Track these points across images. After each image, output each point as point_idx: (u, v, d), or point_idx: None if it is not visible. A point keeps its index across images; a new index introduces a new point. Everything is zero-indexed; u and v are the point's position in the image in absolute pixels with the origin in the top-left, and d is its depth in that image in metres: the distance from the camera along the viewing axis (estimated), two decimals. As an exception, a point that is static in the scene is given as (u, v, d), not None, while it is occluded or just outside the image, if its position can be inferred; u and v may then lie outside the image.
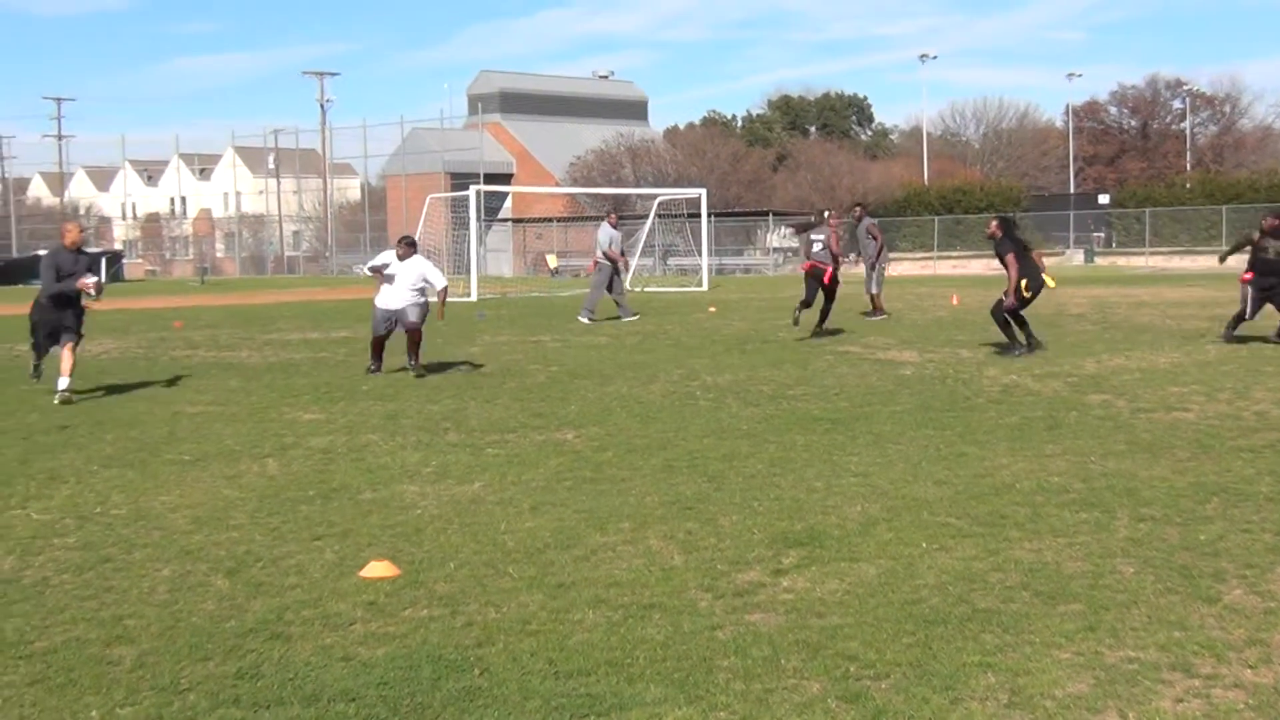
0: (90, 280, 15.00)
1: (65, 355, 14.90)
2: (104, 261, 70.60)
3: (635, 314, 26.94)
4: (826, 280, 20.92)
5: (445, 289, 17.09)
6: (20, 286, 65.37)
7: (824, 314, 21.49)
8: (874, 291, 25.44)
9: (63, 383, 14.70)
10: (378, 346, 16.94)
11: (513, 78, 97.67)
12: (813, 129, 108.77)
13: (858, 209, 27.24)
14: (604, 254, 26.88)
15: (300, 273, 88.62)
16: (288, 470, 10.20)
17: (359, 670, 5.53)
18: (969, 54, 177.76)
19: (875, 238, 25.65)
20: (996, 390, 14.03)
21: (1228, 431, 11.05)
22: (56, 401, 14.44)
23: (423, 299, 16.79)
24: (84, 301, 15.35)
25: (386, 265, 16.70)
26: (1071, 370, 15.55)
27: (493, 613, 6.29)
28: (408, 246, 16.89)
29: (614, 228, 27.34)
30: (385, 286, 16.69)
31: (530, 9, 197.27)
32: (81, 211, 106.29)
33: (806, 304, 20.95)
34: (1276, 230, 16.70)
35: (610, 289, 27.02)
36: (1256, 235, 17.91)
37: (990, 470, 9.57)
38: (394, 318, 16.60)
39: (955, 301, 30.50)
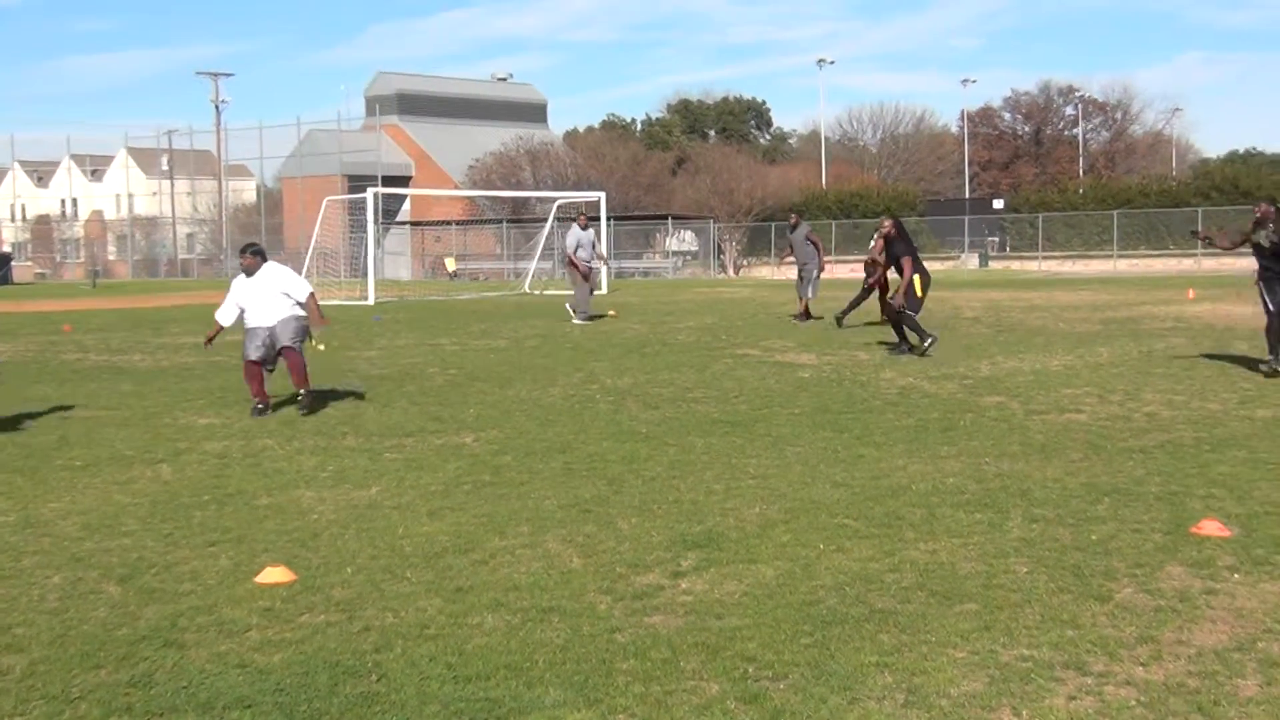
0: None
1: None
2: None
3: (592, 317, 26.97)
4: (873, 284, 22.54)
5: (312, 295, 13.78)
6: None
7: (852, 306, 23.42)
8: (810, 297, 25.73)
9: None
10: (255, 375, 13.61)
11: (411, 79, 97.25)
12: (712, 133, 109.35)
13: (794, 216, 27.58)
14: (569, 258, 26.93)
15: (194, 276, 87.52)
16: (182, 475, 10.06)
17: (255, 677, 5.46)
18: (867, 59, 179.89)
19: (815, 244, 26.11)
20: (893, 393, 14.17)
21: (1119, 433, 11.25)
22: None
23: (300, 312, 13.67)
24: None
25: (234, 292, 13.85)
26: (967, 373, 15.75)
27: (390, 618, 6.24)
28: (253, 256, 13.75)
29: (583, 229, 27.25)
30: (249, 306, 13.70)
31: (431, 9, 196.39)
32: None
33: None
34: (1265, 219, 16.87)
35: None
36: (1250, 226, 18.06)
37: (887, 472, 9.66)
38: (271, 337, 13.57)
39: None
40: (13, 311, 36.55)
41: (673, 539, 7.67)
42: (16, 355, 20.98)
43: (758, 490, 9.07)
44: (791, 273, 31.73)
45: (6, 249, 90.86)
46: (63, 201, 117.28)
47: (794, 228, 26.59)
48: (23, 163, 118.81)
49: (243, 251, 13.99)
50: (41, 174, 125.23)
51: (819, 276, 26.18)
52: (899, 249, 17.78)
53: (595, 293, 30.39)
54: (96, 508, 8.89)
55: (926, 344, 17.57)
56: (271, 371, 13.80)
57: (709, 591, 6.61)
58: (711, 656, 5.62)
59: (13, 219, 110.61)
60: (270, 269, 13.74)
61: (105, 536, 8.02)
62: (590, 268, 27.45)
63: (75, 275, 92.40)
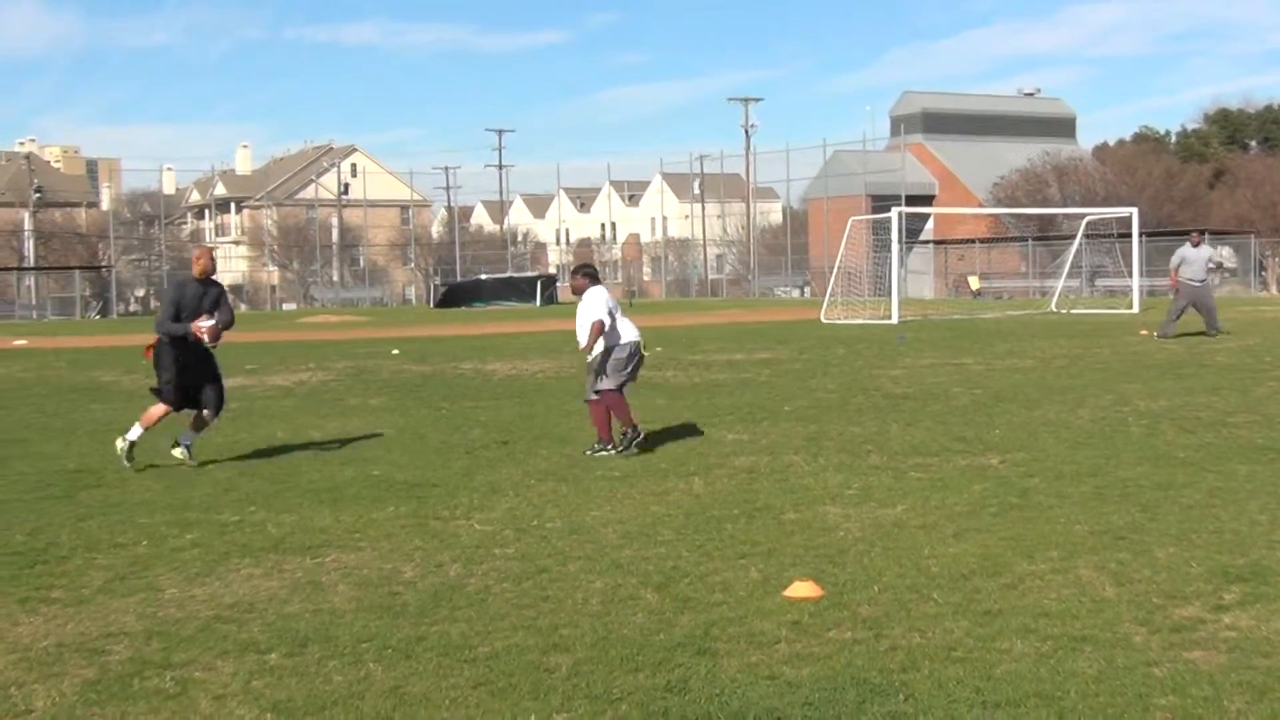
0: (205, 324, 11.87)
1: (198, 418, 12.41)
2: (539, 284, 73.89)
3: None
4: None
5: (597, 323, 12.50)
6: (463, 309, 69.13)
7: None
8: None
9: (134, 432, 12.17)
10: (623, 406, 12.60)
11: (936, 98, 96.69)
12: (1253, 143, 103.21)
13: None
14: (1172, 275, 26.81)
15: (723, 295, 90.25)
16: (712, 489, 10.39)
17: (784, 689, 5.57)
18: None
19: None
20: None
21: None
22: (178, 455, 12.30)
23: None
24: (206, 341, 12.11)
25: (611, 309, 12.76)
26: None
27: (917, 638, 6.23)
28: (584, 278, 13.04)
29: (1194, 246, 26.79)
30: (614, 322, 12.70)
31: (953, 29, 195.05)
32: (519, 237, 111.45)
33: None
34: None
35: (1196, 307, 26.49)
36: None
37: None
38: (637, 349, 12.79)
39: None
40: (557, 330, 38.75)
41: (1213, 570, 7.29)
42: (561, 371, 22.23)
43: (1308, 523, 8.51)
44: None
45: (552, 270, 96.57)
46: (602, 225, 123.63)
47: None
48: (567, 189, 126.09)
49: (574, 273, 13.31)
50: (584, 200, 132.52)
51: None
52: None
53: (1129, 310, 29.46)
54: (634, 517, 9.31)
55: None
56: None
57: (1255, 628, 6.25)
58: (1258, 697, 5.31)
59: (557, 242, 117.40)
60: (590, 294, 12.83)
61: (643, 545, 8.38)
62: (1200, 284, 26.54)
63: (614, 295, 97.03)
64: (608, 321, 12.51)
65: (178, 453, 12.27)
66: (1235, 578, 7.13)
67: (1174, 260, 26.85)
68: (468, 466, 11.81)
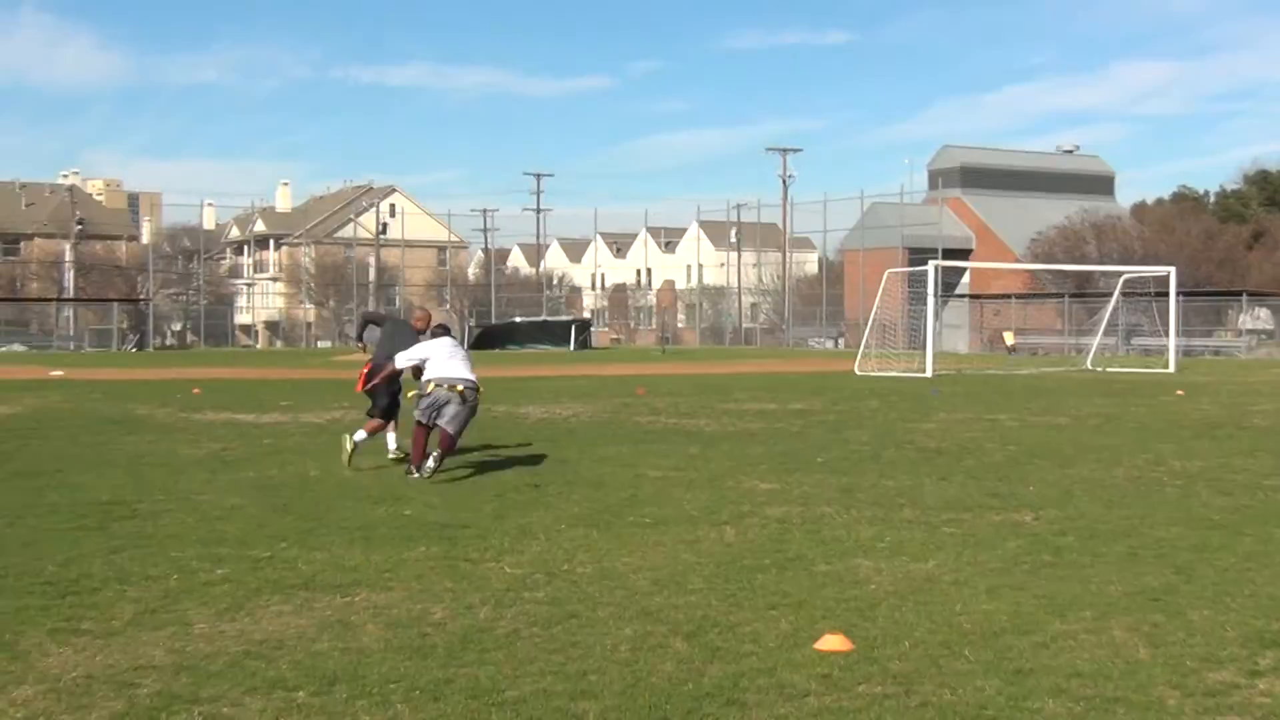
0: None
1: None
2: (573, 328, 74.08)
3: None
4: None
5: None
6: (498, 350, 69.25)
7: None
8: None
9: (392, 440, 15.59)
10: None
11: (974, 152, 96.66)
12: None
13: None
14: None
15: (757, 344, 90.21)
16: (744, 538, 10.36)
17: (813, 742, 5.53)
18: None
19: None
20: None
21: None
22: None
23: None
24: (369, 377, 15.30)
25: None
26: None
27: (948, 694, 6.18)
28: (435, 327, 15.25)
29: None
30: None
31: (996, 84, 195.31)
32: (555, 281, 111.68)
33: None
34: None
35: None
36: None
37: None
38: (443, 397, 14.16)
39: None
40: (593, 374, 38.81)
41: (1249, 635, 7.22)
42: (594, 415, 22.26)
43: (1346, 589, 8.42)
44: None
45: (587, 315, 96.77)
46: (638, 271, 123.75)
47: None
48: (604, 234, 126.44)
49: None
50: (620, 245, 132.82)
51: None
52: None
53: (1165, 370, 29.18)
54: (665, 565, 9.28)
55: None
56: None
57: (1290, 695, 6.19)
58: (1293, 765, 5.25)
59: (593, 287, 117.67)
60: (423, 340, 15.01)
61: (673, 593, 8.35)
62: None
63: (647, 341, 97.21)
64: (399, 365, 14.63)
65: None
66: (1271, 643, 7.06)
67: None
68: (499, 509, 11.81)
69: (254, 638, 7.20)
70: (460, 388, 14.04)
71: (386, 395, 15.40)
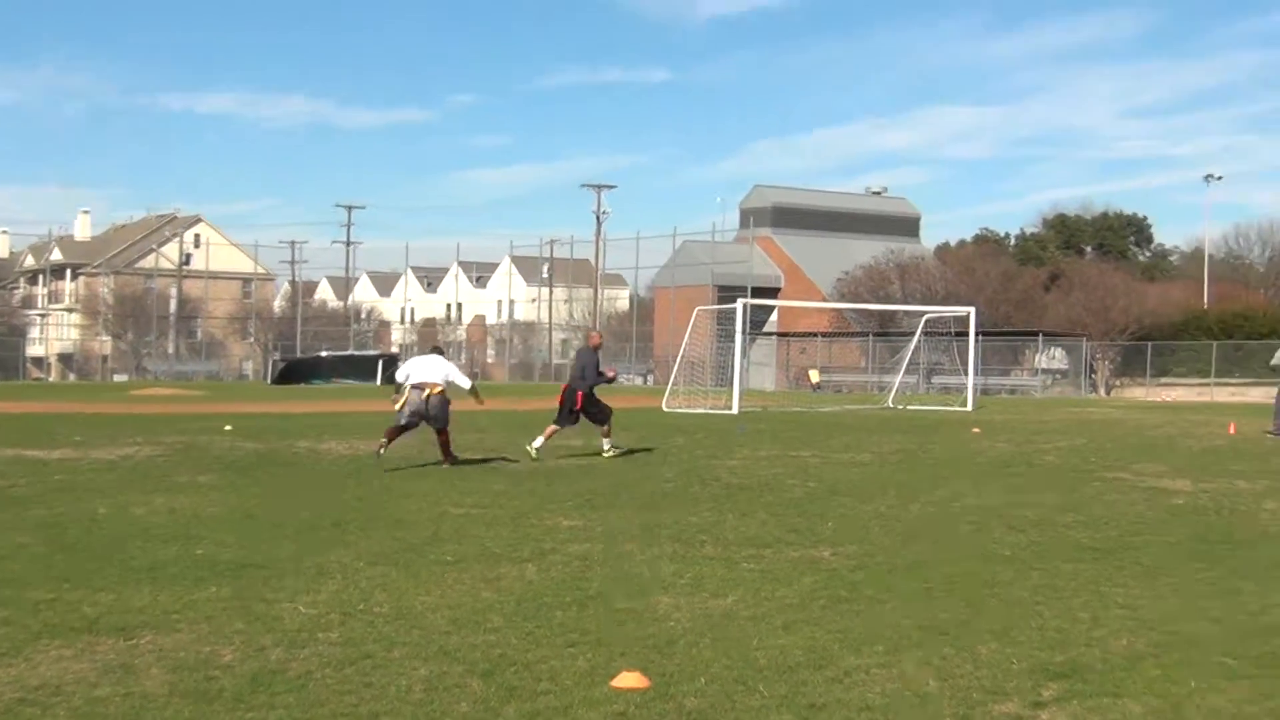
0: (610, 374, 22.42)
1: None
2: (380, 362, 73.23)
3: None
4: None
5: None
6: (302, 385, 67.93)
7: None
8: None
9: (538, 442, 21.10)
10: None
11: (786, 192, 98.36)
12: (1089, 249, 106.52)
13: None
14: None
15: (564, 380, 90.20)
16: (545, 575, 10.30)
17: (605, 782, 5.50)
18: (1259, 176, 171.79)
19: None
20: (1278, 525, 13.37)
21: None
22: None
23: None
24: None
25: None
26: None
27: (741, 731, 6.20)
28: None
29: None
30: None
31: (809, 126, 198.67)
32: (363, 314, 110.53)
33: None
34: None
35: None
36: None
37: (1267, 609, 9.09)
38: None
39: (1232, 430, 29.34)
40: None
41: (1034, 667, 7.39)
42: (402, 451, 21.99)
43: (1126, 621, 8.68)
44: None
45: (394, 350, 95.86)
46: (448, 306, 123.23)
47: None
48: (415, 269, 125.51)
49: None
50: (431, 279, 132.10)
51: None
52: None
53: (963, 408, 29.92)
54: (465, 603, 9.18)
55: None
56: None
57: (1071, 726, 6.33)
58: (1072, 796, 5.36)
59: (402, 321, 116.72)
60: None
61: (471, 631, 8.26)
62: None
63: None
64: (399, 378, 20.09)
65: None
66: (1055, 674, 7.23)
67: (1275, 359, 28.75)
68: (297, 548, 11.57)
69: (29, 684, 6.92)
70: (427, 391, 19.10)
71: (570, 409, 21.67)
